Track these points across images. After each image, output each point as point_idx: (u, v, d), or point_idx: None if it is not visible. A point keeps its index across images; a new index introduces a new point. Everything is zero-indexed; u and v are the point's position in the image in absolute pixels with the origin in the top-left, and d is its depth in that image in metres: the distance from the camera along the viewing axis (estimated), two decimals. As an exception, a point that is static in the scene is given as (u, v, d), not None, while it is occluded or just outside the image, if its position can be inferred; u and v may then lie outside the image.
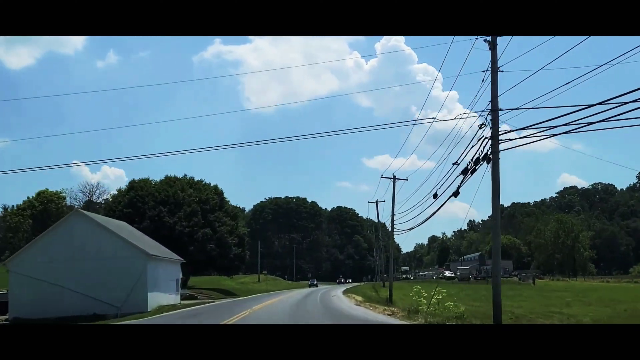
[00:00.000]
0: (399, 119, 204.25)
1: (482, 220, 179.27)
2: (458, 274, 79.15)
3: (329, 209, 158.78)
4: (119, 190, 65.13)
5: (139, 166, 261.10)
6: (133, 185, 62.00)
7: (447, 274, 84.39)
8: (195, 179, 66.82)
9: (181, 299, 44.22)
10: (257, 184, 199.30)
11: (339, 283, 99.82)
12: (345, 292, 49.55)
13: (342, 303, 34.96)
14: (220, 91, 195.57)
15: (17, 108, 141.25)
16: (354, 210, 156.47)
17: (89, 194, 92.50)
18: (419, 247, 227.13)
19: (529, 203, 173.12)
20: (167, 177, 64.53)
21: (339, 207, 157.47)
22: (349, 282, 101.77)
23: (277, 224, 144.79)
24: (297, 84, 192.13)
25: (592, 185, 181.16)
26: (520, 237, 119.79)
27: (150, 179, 64.18)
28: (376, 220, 65.27)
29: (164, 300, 38.70)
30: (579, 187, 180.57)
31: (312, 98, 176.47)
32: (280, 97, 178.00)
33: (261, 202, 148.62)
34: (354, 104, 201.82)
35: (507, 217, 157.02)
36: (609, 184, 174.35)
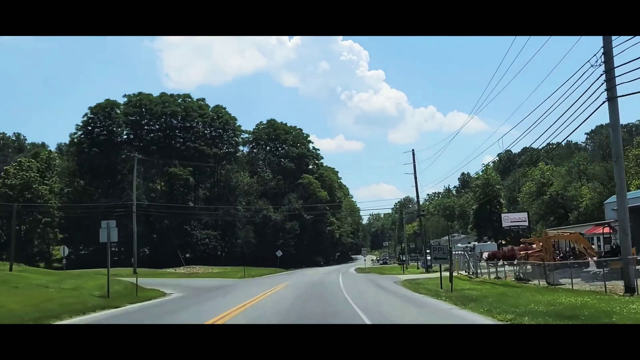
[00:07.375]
0: (324, 99, 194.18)
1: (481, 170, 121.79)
2: None
3: (251, 128, 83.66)
4: None
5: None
6: None
7: None
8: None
9: None
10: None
11: None
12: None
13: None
14: (136, 65, 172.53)
15: None
16: (300, 129, 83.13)
17: None
18: (374, 218, 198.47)
19: (551, 144, 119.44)
20: None
21: (271, 122, 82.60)
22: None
23: (144, 147, 67.87)
24: (220, 59, 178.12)
25: (639, 120, 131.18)
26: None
27: None
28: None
29: None
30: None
31: (236, 75, 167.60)
32: (202, 73, 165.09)
33: (107, 100, 69.65)
34: (278, 83, 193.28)
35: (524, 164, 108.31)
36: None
